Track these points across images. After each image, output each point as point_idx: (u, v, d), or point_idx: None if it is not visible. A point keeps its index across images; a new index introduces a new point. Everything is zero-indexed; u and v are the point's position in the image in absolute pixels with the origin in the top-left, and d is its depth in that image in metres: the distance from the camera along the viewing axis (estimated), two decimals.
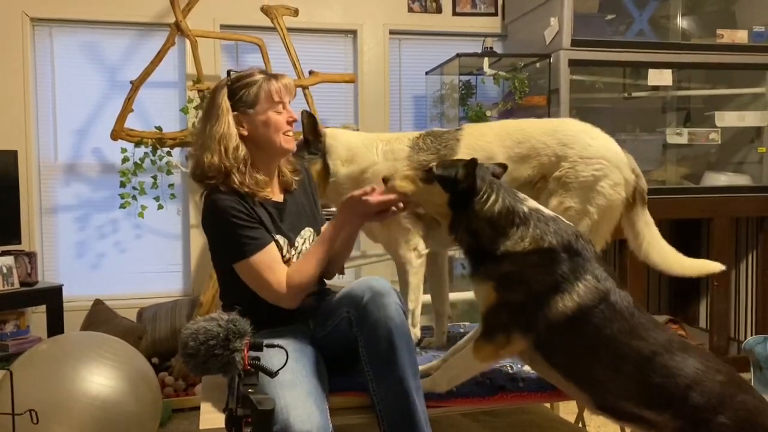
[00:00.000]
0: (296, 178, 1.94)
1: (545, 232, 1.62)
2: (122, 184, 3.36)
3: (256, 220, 1.76)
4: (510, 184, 1.89)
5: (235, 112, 1.78)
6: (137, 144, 3.33)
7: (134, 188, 3.39)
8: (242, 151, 1.77)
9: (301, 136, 2.10)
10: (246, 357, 1.22)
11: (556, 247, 1.61)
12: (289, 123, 1.83)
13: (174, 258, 3.88)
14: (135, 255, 3.82)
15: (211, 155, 1.75)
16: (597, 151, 1.96)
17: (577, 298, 1.58)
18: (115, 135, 3.29)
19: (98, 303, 3.52)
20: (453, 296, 2.80)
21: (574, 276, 1.59)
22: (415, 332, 2.00)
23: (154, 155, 3.37)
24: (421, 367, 1.73)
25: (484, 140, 2.00)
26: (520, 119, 2.13)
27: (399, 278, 2.05)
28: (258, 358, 1.25)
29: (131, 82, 3.30)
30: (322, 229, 1.90)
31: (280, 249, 1.80)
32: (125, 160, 3.37)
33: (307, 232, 1.91)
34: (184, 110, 3.52)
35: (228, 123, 1.77)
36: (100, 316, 3.44)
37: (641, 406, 1.56)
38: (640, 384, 1.54)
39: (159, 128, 3.41)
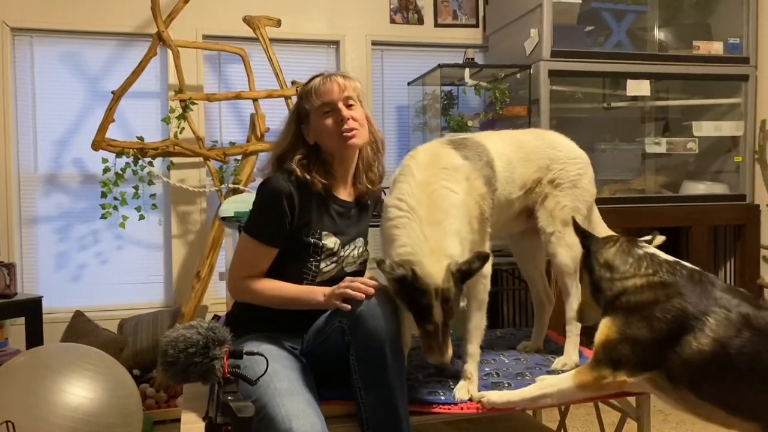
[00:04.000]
0: (372, 188, 1.93)
1: (660, 271, 1.67)
2: (103, 195, 3.34)
3: (281, 218, 1.77)
4: (521, 187, 1.98)
5: (302, 125, 1.84)
6: (119, 154, 3.32)
7: (115, 198, 3.37)
8: (301, 151, 1.82)
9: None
10: (226, 364, 1.22)
11: (676, 283, 1.64)
12: (341, 122, 1.79)
13: (156, 269, 3.85)
14: (116, 266, 3.79)
15: (272, 164, 1.87)
16: (577, 152, 2.10)
17: (711, 333, 1.56)
18: (96, 145, 3.28)
19: (79, 315, 3.49)
20: None
21: (700, 312, 1.58)
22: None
23: (135, 165, 3.35)
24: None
25: (498, 145, 1.99)
26: (503, 131, 2.18)
27: (469, 293, 1.97)
28: (238, 365, 1.25)
29: (113, 92, 3.29)
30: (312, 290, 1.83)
31: (329, 249, 1.83)
32: (106, 170, 3.35)
33: (360, 242, 1.93)
34: (166, 120, 3.51)
35: (288, 137, 1.85)
36: (80, 328, 3.41)
37: None
38: None
39: (141, 138, 3.39)
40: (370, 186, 1.92)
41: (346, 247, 1.88)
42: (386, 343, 1.61)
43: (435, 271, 1.61)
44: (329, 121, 1.79)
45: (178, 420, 1.82)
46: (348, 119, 1.79)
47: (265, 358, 1.35)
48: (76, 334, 3.34)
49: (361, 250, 1.94)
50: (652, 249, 1.75)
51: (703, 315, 1.58)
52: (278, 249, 1.80)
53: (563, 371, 1.92)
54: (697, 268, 1.73)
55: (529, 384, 1.85)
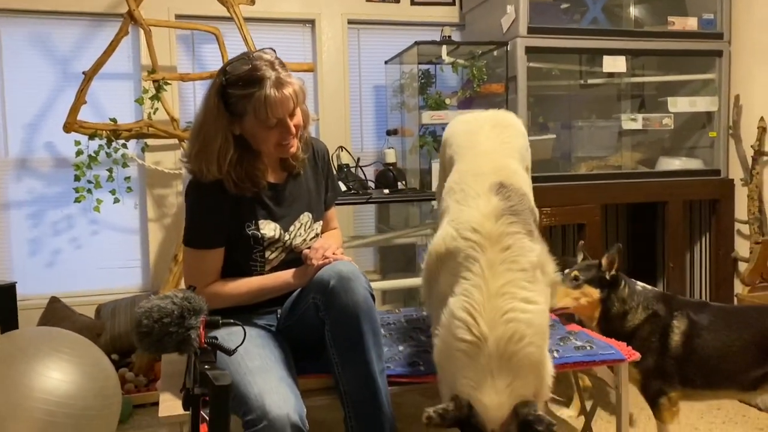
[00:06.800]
0: (303, 156, 1.88)
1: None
2: (77, 178, 3.28)
3: (216, 219, 1.74)
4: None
5: (228, 114, 1.71)
6: (91, 136, 3.25)
7: (89, 182, 3.30)
8: (230, 154, 1.71)
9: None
10: (202, 334, 1.20)
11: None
12: (283, 137, 1.73)
13: (132, 253, 3.80)
14: (92, 251, 3.73)
15: (196, 162, 1.75)
16: None
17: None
18: (68, 127, 3.21)
19: (54, 301, 3.43)
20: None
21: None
22: None
23: (108, 148, 3.29)
24: None
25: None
26: (475, 111, 2.16)
27: None
28: (215, 337, 1.23)
29: (84, 73, 3.22)
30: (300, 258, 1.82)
31: (270, 238, 1.79)
32: (79, 153, 3.28)
33: (305, 218, 1.89)
34: (139, 101, 3.45)
35: (215, 132, 1.70)
36: (56, 314, 3.35)
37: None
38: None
39: (114, 120, 3.33)
40: (295, 162, 1.87)
41: (290, 229, 1.85)
42: (361, 317, 1.61)
43: (496, 414, 1.37)
44: (273, 133, 1.72)
45: (158, 404, 1.80)
46: (292, 133, 1.74)
47: (243, 327, 1.34)
48: (52, 320, 3.29)
49: (308, 225, 1.89)
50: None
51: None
52: (223, 247, 1.77)
53: None
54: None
55: None
